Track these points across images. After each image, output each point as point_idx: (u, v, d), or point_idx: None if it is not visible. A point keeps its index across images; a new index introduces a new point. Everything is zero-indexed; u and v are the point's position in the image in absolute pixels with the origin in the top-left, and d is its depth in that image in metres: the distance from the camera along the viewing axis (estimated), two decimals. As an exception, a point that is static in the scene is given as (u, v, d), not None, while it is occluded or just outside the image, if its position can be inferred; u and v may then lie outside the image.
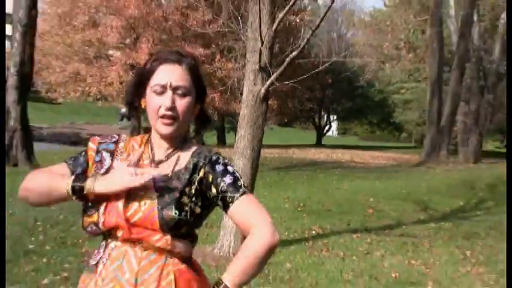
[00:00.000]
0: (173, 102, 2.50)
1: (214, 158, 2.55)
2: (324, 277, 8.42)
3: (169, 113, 2.50)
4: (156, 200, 2.46)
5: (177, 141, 2.61)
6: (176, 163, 2.57)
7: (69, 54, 31.36)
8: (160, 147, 2.62)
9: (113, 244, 2.51)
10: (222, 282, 2.35)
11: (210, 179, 2.51)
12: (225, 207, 2.47)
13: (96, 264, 2.51)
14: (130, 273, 2.44)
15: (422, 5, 35.67)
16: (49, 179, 2.57)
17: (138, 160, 2.56)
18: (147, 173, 2.43)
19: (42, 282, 7.20)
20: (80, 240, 9.37)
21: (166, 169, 2.56)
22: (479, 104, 30.93)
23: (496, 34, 31.89)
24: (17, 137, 19.24)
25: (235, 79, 22.20)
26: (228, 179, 2.48)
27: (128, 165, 2.49)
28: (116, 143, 2.67)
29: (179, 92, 2.52)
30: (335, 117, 52.54)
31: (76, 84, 31.85)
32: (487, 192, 19.19)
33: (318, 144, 43.25)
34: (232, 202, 2.45)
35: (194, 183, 2.51)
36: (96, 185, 2.41)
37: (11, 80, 19.28)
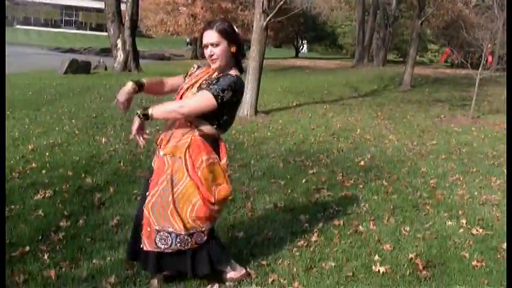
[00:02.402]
0: (211, 52, 2.54)
1: (222, 77, 2.53)
2: (300, 127, 8.35)
3: (211, 57, 2.55)
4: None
5: (220, 70, 2.60)
6: (214, 77, 2.58)
7: (157, 9, 30.27)
8: (216, 73, 2.61)
9: None
10: (147, 108, 2.47)
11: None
12: None
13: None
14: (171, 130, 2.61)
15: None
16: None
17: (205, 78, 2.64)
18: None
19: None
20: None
21: (212, 79, 2.58)
22: (385, 33, 30.01)
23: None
24: (130, 56, 18.61)
25: (249, 19, 21.45)
26: (214, 83, 2.50)
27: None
28: (198, 69, 2.74)
29: (213, 44, 2.52)
30: (305, 41, 51.08)
31: (161, 26, 31.05)
32: (389, 81, 18.86)
33: (296, 57, 42.22)
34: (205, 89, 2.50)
35: (213, 84, 2.50)
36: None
37: (126, 24, 18.57)
